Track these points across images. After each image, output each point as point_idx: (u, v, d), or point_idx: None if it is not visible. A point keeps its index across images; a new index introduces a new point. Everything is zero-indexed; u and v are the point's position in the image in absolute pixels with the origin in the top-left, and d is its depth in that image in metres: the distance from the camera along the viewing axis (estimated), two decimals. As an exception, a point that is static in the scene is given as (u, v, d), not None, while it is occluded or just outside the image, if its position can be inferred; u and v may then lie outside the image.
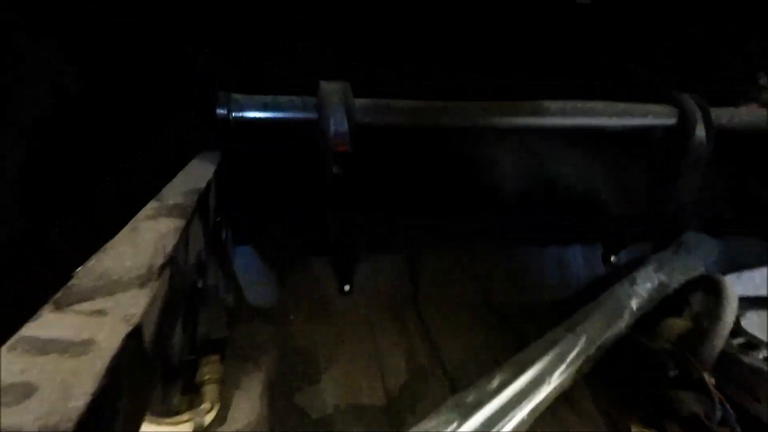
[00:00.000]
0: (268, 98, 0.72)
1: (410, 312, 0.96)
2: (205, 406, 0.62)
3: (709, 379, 0.56)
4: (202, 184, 0.58)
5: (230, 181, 0.74)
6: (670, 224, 0.91)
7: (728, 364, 0.59)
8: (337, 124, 0.69)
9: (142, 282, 0.27)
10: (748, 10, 0.92)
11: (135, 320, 0.23)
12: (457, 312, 0.97)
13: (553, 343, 0.69)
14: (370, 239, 1.01)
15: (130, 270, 0.29)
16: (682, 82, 0.93)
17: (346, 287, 0.97)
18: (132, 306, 0.25)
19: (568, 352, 0.67)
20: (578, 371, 0.67)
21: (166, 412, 0.61)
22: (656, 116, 0.84)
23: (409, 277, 1.02)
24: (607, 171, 0.88)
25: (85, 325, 0.22)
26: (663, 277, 0.87)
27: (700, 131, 0.83)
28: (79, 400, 0.17)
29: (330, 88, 0.72)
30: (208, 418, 0.61)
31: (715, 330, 0.58)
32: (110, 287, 0.27)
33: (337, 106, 0.70)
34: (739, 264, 1.18)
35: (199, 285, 0.80)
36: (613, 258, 1.12)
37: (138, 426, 0.25)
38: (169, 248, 0.33)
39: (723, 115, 0.86)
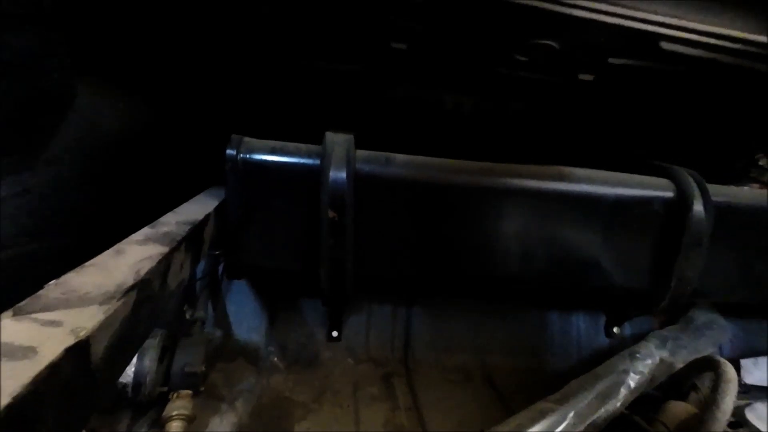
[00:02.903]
0: (277, 143, 0.78)
1: (399, 375, 0.92)
2: (167, 443, 0.60)
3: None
4: (200, 217, 0.61)
5: (231, 218, 0.77)
6: (673, 299, 0.88)
7: (729, 458, 0.54)
8: (336, 170, 0.73)
9: (103, 300, 0.29)
10: (749, 91, 0.95)
11: (83, 334, 0.25)
12: (449, 380, 0.93)
13: (540, 415, 0.65)
14: (367, 290, 1.01)
15: (98, 287, 0.31)
16: (682, 160, 0.95)
17: (335, 333, 0.95)
18: (86, 321, 0.26)
19: (553, 427, 0.62)
20: (564, 450, 0.62)
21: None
22: (654, 188, 0.85)
23: (403, 336, 1.00)
24: (610, 241, 0.87)
25: (34, 333, 0.24)
26: (665, 355, 0.82)
27: (698, 206, 0.82)
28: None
29: (334, 138, 0.77)
30: (167, 458, 0.59)
31: (712, 417, 0.53)
32: (73, 301, 0.28)
33: (338, 155, 0.74)
34: (756, 350, 1.10)
35: (188, 315, 0.81)
36: (615, 329, 1.07)
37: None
38: (142, 272, 0.35)
39: (722, 193, 0.86)
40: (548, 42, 0.91)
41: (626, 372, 0.75)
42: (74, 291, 0.30)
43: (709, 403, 0.55)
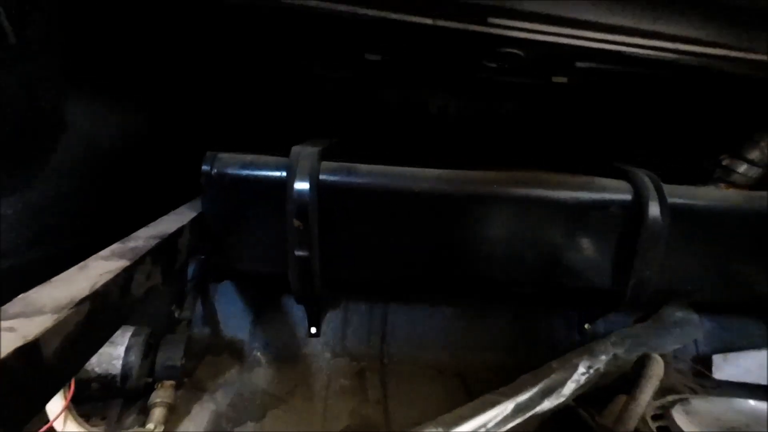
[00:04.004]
0: (249, 158, 0.85)
1: (373, 369, 0.98)
2: (149, 427, 0.68)
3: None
4: (171, 230, 0.69)
5: (208, 228, 0.85)
6: (632, 298, 0.91)
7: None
8: (300, 182, 0.79)
9: (55, 310, 0.37)
10: (714, 95, 0.96)
11: (30, 338, 0.32)
12: (421, 376, 0.98)
13: (482, 407, 0.70)
14: (344, 289, 1.08)
15: (55, 300, 0.39)
16: (651, 161, 0.97)
17: (313, 330, 1.02)
18: (36, 328, 0.34)
19: (494, 418, 0.67)
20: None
21: (119, 428, 0.69)
22: (612, 191, 0.88)
23: (379, 333, 1.06)
24: (573, 243, 0.90)
25: (-7, 338, 0.31)
26: (620, 351, 0.85)
27: (654, 207, 0.85)
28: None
29: (300, 151, 0.83)
30: (148, 439, 0.67)
31: (628, 407, 0.57)
32: (31, 312, 0.36)
33: (302, 167, 0.81)
34: (735, 346, 1.11)
35: (176, 315, 0.90)
36: (587, 326, 1.10)
37: (21, 423, 0.32)
38: (98, 285, 0.43)
39: (681, 194, 0.88)
40: (513, 50, 0.95)
41: (575, 367, 0.79)
42: (33, 304, 0.37)
43: (630, 396, 0.59)
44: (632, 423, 0.56)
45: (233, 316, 1.03)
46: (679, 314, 1.07)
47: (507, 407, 0.69)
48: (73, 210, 0.81)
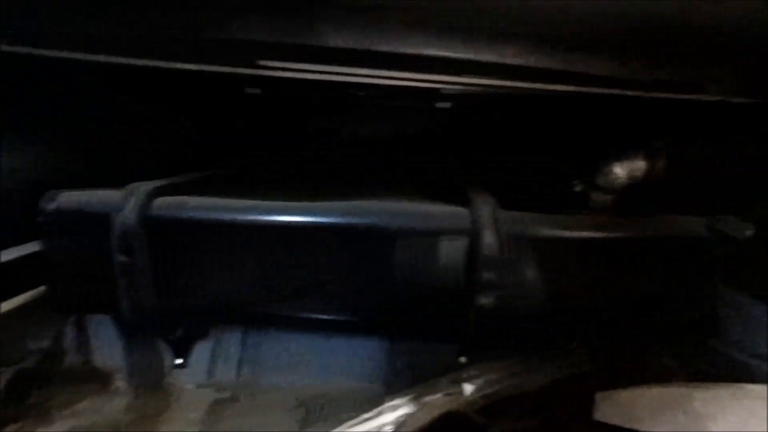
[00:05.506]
0: (87, 195, 0.87)
1: (235, 399, 0.98)
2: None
3: None
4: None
5: (53, 261, 0.88)
6: (475, 330, 0.87)
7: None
8: (124, 218, 0.81)
9: None
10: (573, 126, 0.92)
11: None
12: (280, 406, 0.96)
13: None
14: (213, 318, 1.08)
15: None
16: (515, 191, 0.94)
17: (179, 360, 1.03)
18: None
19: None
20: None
21: None
22: (447, 220, 0.85)
23: (250, 362, 1.05)
24: (419, 275, 0.87)
25: None
26: (456, 389, 0.81)
27: (489, 237, 0.81)
28: None
29: (132, 188, 0.86)
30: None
31: None
32: None
33: (130, 204, 0.83)
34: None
35: (30, 347, 0.93)
36: (462, 359, 1.05)
37: None
38: None
39: (522, 222, 0.84)
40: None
41: (395, 408, 0.75)
42: None
43: None
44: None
45: (106, 346, 1.05)
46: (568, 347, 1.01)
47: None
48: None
